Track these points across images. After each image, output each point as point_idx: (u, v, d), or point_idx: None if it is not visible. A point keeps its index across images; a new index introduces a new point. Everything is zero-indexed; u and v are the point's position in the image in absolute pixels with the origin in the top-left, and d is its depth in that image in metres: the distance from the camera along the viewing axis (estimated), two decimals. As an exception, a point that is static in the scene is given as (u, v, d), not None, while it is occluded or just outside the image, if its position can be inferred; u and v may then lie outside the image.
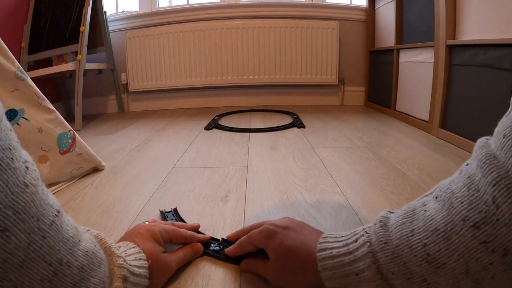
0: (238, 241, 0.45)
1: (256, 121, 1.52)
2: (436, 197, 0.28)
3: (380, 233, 0.30)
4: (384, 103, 1.69)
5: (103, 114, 2.03)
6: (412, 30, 1.43)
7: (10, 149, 0.22)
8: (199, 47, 1.91)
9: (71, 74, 1.71)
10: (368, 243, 0.31)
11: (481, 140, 0.27)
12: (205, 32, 1.89)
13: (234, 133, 1.30)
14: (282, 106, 1.95)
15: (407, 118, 1.42)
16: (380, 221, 0.32)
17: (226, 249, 0.47)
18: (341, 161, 0.91)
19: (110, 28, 1.88)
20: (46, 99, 0.79)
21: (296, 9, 1.92)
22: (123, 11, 2.07)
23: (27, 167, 0.23)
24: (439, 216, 0.26)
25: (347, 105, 2.01)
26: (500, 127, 0.25)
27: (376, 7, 1.83)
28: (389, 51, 1.62)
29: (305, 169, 0.86)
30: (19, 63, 0.83)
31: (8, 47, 0.69)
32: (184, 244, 0.48)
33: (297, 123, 1.41)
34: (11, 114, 0.72)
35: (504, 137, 0.24)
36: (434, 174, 0.79)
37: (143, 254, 0.38)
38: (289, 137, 1.21)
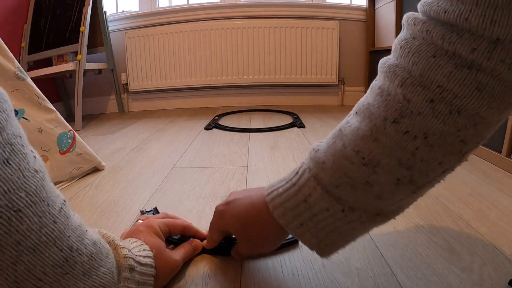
0: (207, 235, 0.47)
1: (256, 121, 1.52)
2: (356, 112, 0.32)
3: (316, 157, 0.33)
4: (384, 103, 1.69)
5: (103, 114, 2.03)
6: (412, 30, 1.43)
7: (20, 136, 0.23)
8: (199, 47, 1.91)
9: (71, 74, 1.71)
10: (308, 169, 0.34)
11: (382, 61, 0.32)
12: (205, 32, 1.89)
13: (234, 133, 1.30)
14: (282, 106, 1.95)
15: (407, 118, 1.42)
16: (313, 149, 0.34)
17: (202, 245, 0.48)
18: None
19: (110, 28, 1.88)
20: (46, 99, 0.79)
21: (296, 9, 1.92)
22: (123, 11, 2.07)
23: (34, 156, 0.25)
24: (363, 125, 0.30)
25: (347, 105, 2.00)
26: (396, 42, 0.30)
27: (376, 7, 1.83)
28: (389, 51, 1.61)
29: (305, 169, 0.86)
30: (19, 63, 0.83)
31: (8, 47, 0.70)
32: (182, 236, 0.49)
33: (297, 123, 1.41)
34: (11, 114, 0.72)
35: (401, 48, 0.29)
36: (434, 174, 0.79)
37: (146, 246, 0.38)
38: (289, 137, 1.21)
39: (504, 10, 0.23)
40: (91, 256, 0.28)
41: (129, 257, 0.33)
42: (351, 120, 0.32)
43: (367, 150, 0.29)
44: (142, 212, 0.62)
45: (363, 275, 0.43)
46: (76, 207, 0.68)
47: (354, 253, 0.49)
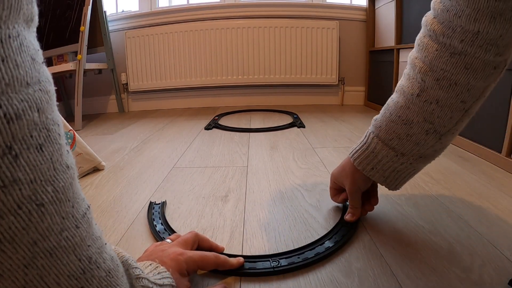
0: (353, 207, 0.57)
1: (256, 121, 1.52)
2: (396, 91, 0.50)
3: (375, 124, 0.53)
4: (384, 102, 1.69)
5: (103, 114, 2.03)
6: (412, 30, 1.43)
7: (59, 125, 0.21)
8: (199, 47, 1.91)
9: (71, 74, 1.71)
10: (372, 133, 0.53)
11: (410, 54, 0.48)
12: (205, 32, 1.89)
13: (234, 133, 1.30)
14: (282, 106, 1.95)
15: (407, 118, 1.42)
16: (374, 119, 0.54)
17: (349, 217, 0.56)
18: (341, 161, 0.91)
19: (110, 28, 1.88)
20: (46, 99, 0.78)
21: (296, 9, 1.92)
22: (123, 11, 2.07)
23: (67, 151, 0.22)
24: (400, 99, 0.49)
25: (347, 105, 2.01)
26: (417, 39, 0.47)
27: (376, 7, 1.83)
28: (389, 51, 1.62)
29: (305, 169, 0.86)
30: (19, 63, 0.83)
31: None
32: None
33: (297, 123, 1.41)
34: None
35: (418, 45, 0.47)
36: (434, 174, 0.79)
37: (161, 267, 0.35)
38: (289, 137, 1.21)
39: (484, 11, 0.36)
40: (109, 273, 0.26)
41: (143, 278, 0.30)
42: (393, 96, 0.51)
43: (404, 114, 0.48)
44: (151, 203, 0.65)
45: (363, 275, 0.43)
46: (76, 207, 0.67)
47: (354, 253, 0.49)
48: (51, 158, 0.20)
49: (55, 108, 0.21)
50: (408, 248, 0.49)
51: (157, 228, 0.56)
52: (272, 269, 0.45)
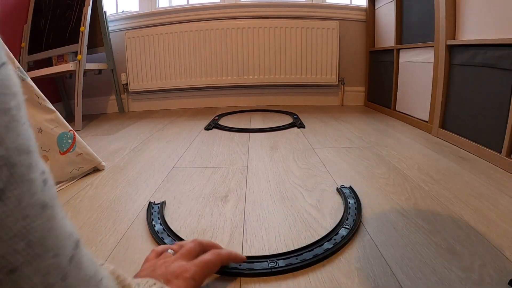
0: None
1: (256, 121, 1.52)
2: None
3: None
4: (384, 103, 1.69)
5: (103, 114, 2.03)
6: (412, 30, 1.43)
7: (28, 152, 0.17)
8: (199, 47, 1.91)
9: (71, 74, 1.71)
10: None
11: None
12: (205, 32, 1.89)
13: (234, 133, 1.30)
14: (282, 106, 1.95)
15: (407, 118, 1.42)
16: None
17: None
18: (341, 161, 0.91)
19: (110, 28, 1.88)
20: (46, 99, 0.79)
21: (296, 9, 1.92)
22: (123, 11, 2.07)
23: (45, 180, 0.18)
24: None
25: (347, 105, 2.00)
26: None
27: (376, 7, 1.83)
28: (389, 51, 1.62)
29: (305, 169, 0.86)
30: (19, 63, 0.83)
31: (8, 47, 0.69)
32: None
33: (297, 123, 1.41)
34: (11, 114, 0.72)
35: None
36: (434, 174, 0.79)
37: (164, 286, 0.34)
38: (289, 137, 1.21)
39: None
40: None
41: None
42: None
43: None
44: (150, 203, 0.65)
45: (363, 275, 0.43)
46: (76, 207, 0.68)
47: (354, 253, 0.49)
48: (19, 204, 0.15)
49: (22, 128, 0.16)
50: (408, 248, 0.49)
51: (156, 228, 0.56)
52: (269, 270, 0.45)
